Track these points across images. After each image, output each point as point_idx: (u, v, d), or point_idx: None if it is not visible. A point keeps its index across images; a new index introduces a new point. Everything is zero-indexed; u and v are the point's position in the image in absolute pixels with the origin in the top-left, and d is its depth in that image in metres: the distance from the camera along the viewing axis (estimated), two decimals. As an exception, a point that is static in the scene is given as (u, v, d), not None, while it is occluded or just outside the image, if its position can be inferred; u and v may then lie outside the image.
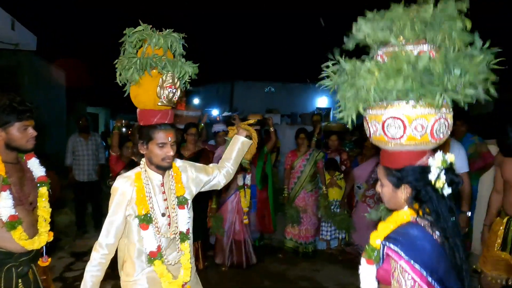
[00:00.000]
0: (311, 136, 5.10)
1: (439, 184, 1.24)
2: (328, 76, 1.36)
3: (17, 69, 7.03)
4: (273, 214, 5.07)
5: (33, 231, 2.08)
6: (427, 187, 1.26)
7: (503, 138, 2.82)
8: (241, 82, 17.02)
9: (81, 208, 5.87)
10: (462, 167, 3.20)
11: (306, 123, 8.47)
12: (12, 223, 1.94)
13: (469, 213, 3.30)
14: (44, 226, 2.14)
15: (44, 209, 2.16)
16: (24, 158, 2.17)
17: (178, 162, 2.09)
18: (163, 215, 1.94)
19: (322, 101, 16.63)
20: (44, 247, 2.15)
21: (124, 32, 1.87)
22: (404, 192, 1.32)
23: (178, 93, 1.90)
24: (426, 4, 1.22)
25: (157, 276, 1.89)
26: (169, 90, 1.83)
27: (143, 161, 1.98)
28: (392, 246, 1.23)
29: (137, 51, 1.87)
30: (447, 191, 1.25)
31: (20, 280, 2.03)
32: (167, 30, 1.89)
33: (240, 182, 4.39)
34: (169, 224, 1.95)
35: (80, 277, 1.84)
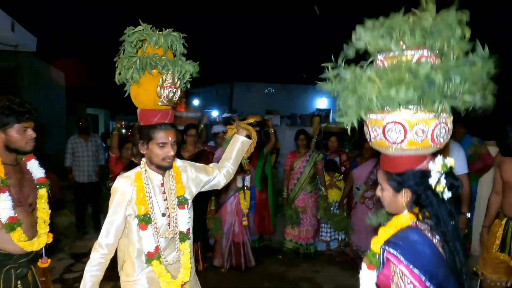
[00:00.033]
0: (311, 137, 5.11)
1: (439, 188, 1.24)
2: (328, 78, 1.35)
3: (17, 70, 7.04)
4: (272, 216, 5.07)
5: (32, 233, 2.08)
6: (428, 191, 1.27)
7: (503, 137, 2.82)
8: (240, 83, 17.04)
9: (81, 209, 5.87)
10: (461, 168, 3.19)
11: (306, 124, 8.46)
12: (11, 225, 1.94)
13: (468, 215, 3.30)
14: (43, 228, 2.14)
15: (43, 210, 2.16)
16: (23, 159, 2.17)
17: (178, 162, 2.09)
18: (163, 215, 1.93)
19: (321, 102, 16.63)
20: (43, 249, 2.15)
21: (125, 32, 1.87)
22: (405, 196, 1.32)
23: (179, 92, 1.89)
24: (427, 12, 1.23)
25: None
26: (170, 89, 1.83)
27: (143, 161, 1.98)
28: (391, 250, 1.23)
29: (137, 51, 1.86)
30: (447, 195, 1.25)
31: (19, 282, 2.03)
32: (167, 30, 1.89)
33: (239, 183, 4.39)
34: (168, 224, 1.95)
35: (80, 279, 1.83)
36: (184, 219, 1.99)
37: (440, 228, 1.25)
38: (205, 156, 4.28)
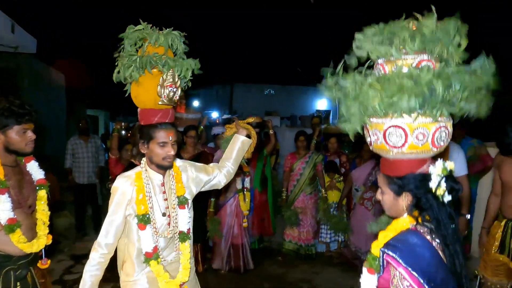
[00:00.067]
0: (311, 138, 5.10)
1: (439, 192, 1.25)
2: (328, 86, 1.36)
3: (17, 72, 7.04)
4: (272, 217, 5.07)
5: (32, 234, 2.08)
6: (428, 195, 1.27)
7: (503, 137, 2.82)
8: (240, 85, 17.04)
9: (80, 211, 5.87)
10: (461, 170, 3.19)
11: (306, 126, 8.46)
12: (10, 226, 1.94)
13: (468, 216, 3.30)
14: (43, 229, 2.14)
15: (43, 212, 2.16)
16: (23, 161, 2.17)
17: (178, 162, 2.09)
18: (164, 214, 1.93)
19: (321, 104, 16.64)
20: (43, 250, 2.15)
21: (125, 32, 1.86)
22: (405, 199, 1.32)
23: (179, 92, 1.89)
24: (427, 19, 1.23)
25: None
26: (170, 89, 1.83)
27: (143, 160, 1.97)
28: (391, 253, 1.23)
29: (137, 50, 1.86)
30: (447, 198, 1.26)
31: (18, 283, 2.03)
32: (167, 29, 1.88)
33: (239, 185, 4.38)
34: (168, 223, 1.95)
35: (79, 280, 1.82)
36: (185, 219, 1.98)
37: (440, 231, 1.25)
38: (204, 157, 4.28)
